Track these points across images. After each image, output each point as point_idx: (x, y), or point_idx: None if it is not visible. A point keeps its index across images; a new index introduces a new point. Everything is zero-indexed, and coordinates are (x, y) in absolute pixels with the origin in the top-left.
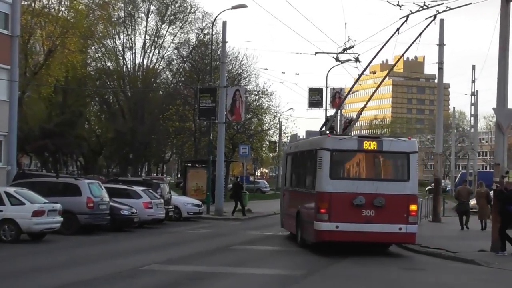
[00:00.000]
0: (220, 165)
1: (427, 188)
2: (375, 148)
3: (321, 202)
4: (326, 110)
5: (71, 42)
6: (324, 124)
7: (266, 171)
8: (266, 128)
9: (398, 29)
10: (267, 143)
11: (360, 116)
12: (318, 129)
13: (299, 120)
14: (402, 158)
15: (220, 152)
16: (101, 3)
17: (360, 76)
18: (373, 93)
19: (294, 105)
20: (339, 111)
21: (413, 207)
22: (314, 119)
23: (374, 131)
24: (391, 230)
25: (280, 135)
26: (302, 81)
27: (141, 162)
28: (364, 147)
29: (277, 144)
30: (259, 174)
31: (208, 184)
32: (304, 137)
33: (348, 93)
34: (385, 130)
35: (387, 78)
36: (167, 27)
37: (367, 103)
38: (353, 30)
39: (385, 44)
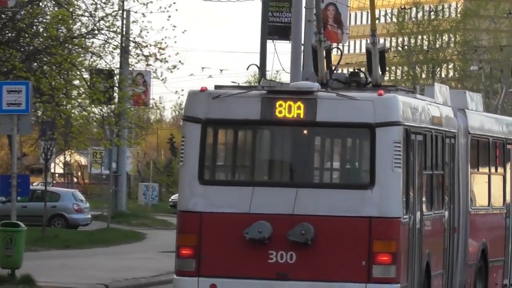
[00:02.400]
0: None
1: None
2: (301, 116)
3: (183, 234)
4: None
5: None
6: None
7: (83, 161)
8: (84, 30)
9: None
10: (87, 76)
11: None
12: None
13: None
14: (359, 137)
15: None
16: None
17: None
18: None
19: None
20: None
21: (382, 246)
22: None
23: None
24: None
25: (124, 51)
26: None
27: None
28: (277, 113)
29: (116, 78)
30: (60, 170)
31: None
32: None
33: None
34: (445, 38)
35: None
36: None
37: None
38: None
39: None
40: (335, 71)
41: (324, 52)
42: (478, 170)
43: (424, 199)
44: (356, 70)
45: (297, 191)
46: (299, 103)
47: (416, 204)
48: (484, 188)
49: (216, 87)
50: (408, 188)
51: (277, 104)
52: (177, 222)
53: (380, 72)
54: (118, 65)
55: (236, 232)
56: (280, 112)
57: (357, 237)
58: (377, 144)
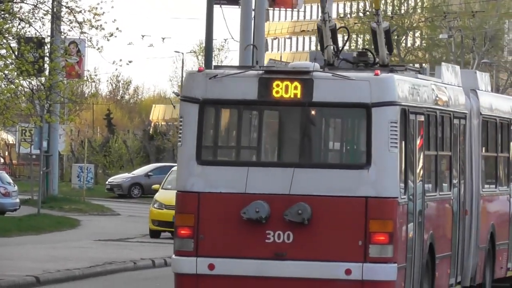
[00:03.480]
0: None
1: None
2: (298, 96)
3: (181, 214)
4: None
5: None
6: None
7: (11, 140)
8: None
9: None
10: (15, 45)
11: None
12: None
13: None
14: (355, 117)
15: None
16: None
17: None
18: None
19: None
20: None
21: (378, 225)
22: None
23: None
24: (329, 274)
25: (56, 17)
26: None
27: None
28: (274, 93)
29: (46, 47)
30: None
31: None
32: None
33: None
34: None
35: None
36: None
37: None
38: None
39: None
40: (341, 51)
41: (330, 31)
42: (488, 151)
43: (427, 180)
44: (364, 50)
45: (294, 171)
46: (295, 83)
47: (417, 184)
48: (493, 170)
49: (215, 67)
50: (407, 168)
51: (274, 84)
52: (175, 202)
53: (387, 52)
54: (49, 33)
55: (233, 212)
56: (277, 92)
57: (353, 217)
58: (373, 124)
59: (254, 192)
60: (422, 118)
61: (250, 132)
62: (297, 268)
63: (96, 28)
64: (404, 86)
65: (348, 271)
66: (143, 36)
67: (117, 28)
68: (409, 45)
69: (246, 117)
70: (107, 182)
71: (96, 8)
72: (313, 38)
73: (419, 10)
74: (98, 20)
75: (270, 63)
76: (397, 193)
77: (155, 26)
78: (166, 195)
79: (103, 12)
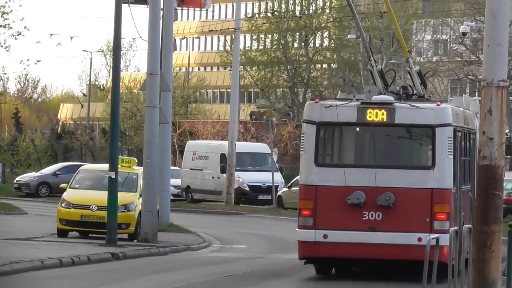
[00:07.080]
0: None
1: None
2: (384, 119)
3: (304, 200)
4: None
5: None
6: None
7: None
8: None
9: None
10: None
11: None
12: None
13: None
14: (424, 134)
15: None
16: None
17: None
18: None
19: None
20: None
21: (440, 208)
22: None
23: None
24: (406, 241)
25: None
26: None
27: None
28: (368, 118)
29: None
30: None
31: None
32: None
33: None
34: None
35: None
36: None
37: None
38: None
39: None
40: (390, 86)
41: (378, 73)
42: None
43: (462, 177)
44: (405, 85)
45: (376, 170)
46: (383, 110)
47: (459, 180)
48: None
49: (321, 98)
50: (455, 169)
51: (368, 111)
52: (299, 192)
53: (422, 86)
54: None
55: (340, 199)
56: (370, 116)
57: (423, 202)
58: (436, 139)
59: (354, 185)
60: (460, 134)
61: (351, 144)
62: (384, 237)
63: (4, 27)
64: (453, 113)
65: (419, 239)
66: (51, 34)
67: (25, 27)
68: (317, 45)
69: (348, 134)
70: (14, 181)
71: (4, 6)
72: (222, 38)
73: (327, 10)
74: (6, 19)
75: (341, 96)
76: (451, 186)
77: (63, 25)
78: (74, 194)
79: (11, 10)
